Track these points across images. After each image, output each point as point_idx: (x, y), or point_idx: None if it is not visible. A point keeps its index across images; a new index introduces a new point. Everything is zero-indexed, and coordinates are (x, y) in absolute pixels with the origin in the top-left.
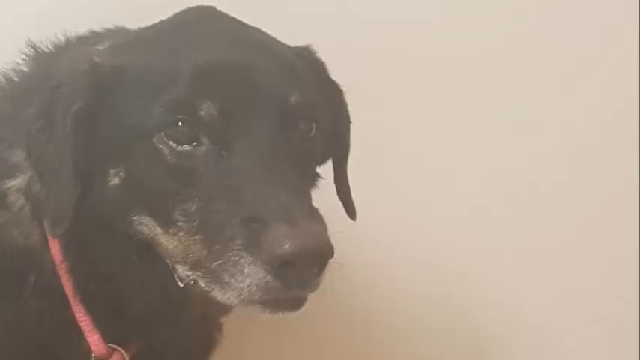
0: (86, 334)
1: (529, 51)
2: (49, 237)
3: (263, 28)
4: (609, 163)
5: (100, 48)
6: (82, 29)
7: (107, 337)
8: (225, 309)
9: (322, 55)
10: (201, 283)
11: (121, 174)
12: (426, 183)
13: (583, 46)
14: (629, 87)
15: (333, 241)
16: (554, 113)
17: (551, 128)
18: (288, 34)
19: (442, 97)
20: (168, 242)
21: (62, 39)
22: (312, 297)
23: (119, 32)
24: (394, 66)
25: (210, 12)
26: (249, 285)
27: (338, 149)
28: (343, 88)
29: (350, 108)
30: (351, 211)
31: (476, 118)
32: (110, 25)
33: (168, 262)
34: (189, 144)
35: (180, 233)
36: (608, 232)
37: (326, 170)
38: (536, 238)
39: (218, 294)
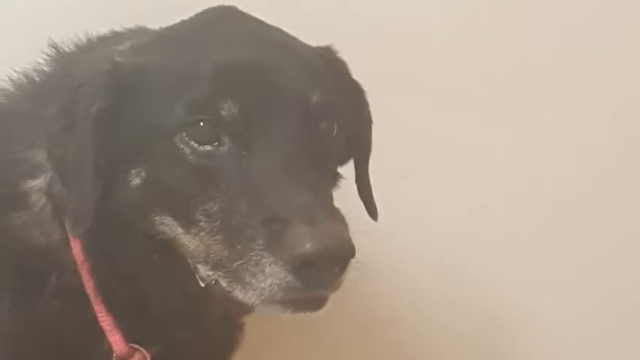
0: (107, 334)
1: (531, 50)
2: (71, 237)
3: (284, 28)
4: (613, 162)
5: (121, 48)
6: (103, 29)
7: (128, 337)
8: (246, 309)
9: (343, 55)
10: (223, 283)
11: (142, 174)
12: (446, 184)
13: (586, 45)
14: (633, 86)
15: (355, 241)
16: (558, 112)
17: (557, 127)
18: (309, 33)
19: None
20: (189, 242)
21: (83, 39)
22: (333, 297)
23: (140, 32)
24: (401, 66)
25: (231, 12)
26: (270, 285)
27: (359, 149)
28: (365, 88)
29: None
30: (372, 211)
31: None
32: (131, 25)
33: (189, 262)
34: (211, 144)
35: (202, 233)
36: (624, 231)
37: (347, 170)
38: (555, 238)
39: (239, 294)
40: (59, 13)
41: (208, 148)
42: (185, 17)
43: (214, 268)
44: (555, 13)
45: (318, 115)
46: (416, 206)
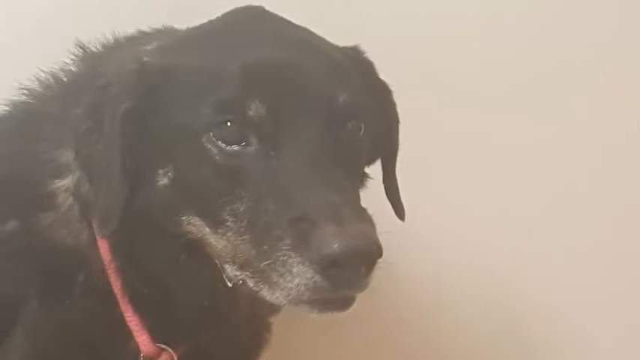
0: (135, 333)
1: (561, 49)
2: (98, 237)
3: (311, 28)
4: None
5: (148, 48)
6: (130, 29)
7: (155, 337)
8: (273, 309)
9: (370, 54)
10: (250, 283)
11: (170, 174)
12: (473, 184)
13: (615, 43)
14: None
15: (382, 241)
16: (590, 111)
17: (587, 126)
18: (337, 33)
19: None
20: (216, 242)
21: (111, 39)
22: (360, 297)
23: (167, 32)
24: (429, 65)
25: (258, 12)
26: (297, 285)
27: (386, 149)
28: (391, 88)
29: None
30: (399, 211)
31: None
32: (158, 25)
33: (216, 262)
34: (238, 144)
35: (229, 233)
36: None
37: (375, 170)
38: (579, 238)
39: (267, 294)
40: (84, 14)
41: (235, 148)
42: (212, 17)
43: (241, 268)
44: (583, 9)
45: (345, 115)
46: (443, 206)
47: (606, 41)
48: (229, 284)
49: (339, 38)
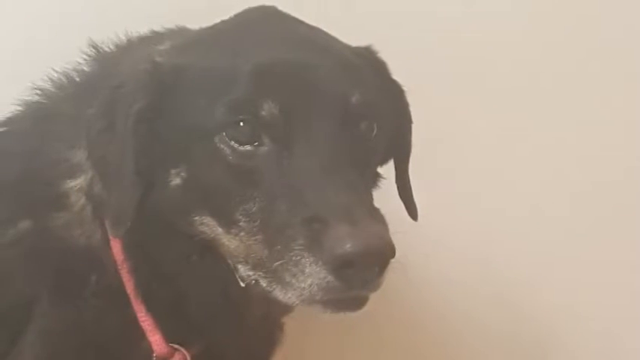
0: (148, 334)
1: (587, 49)
2: (111, 237)
3: (323, 28)
4: None
5: (161, 48)
6: (143, 29)
7: (168, 337)
8: (286, 309)
9: (383, 54)
10: (263, 283)
11: (182, 174)
12: (487, 183)
13: None
14: None
15: (395, 241)
16: (617, 112)
17: (613, 127)
18: (349, 33)
19: (500, 96)
20: (229, 242)
21: (123, 39)
22: (372, 297)
23: (180, 32)
24: (443, 65)
25: (271, 12)
26: (310, 285)
27: (399, 149)
28: (404, 88)
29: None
30: (412, 211)
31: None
32: (171, 25)
33: (229, 262)
34: (251, 144)
35: (242, 233)
36: None
37: (387, 170)
38: (596, 238)
39: (279, 294)
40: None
41: (248, 148)
42: (225, 17)
43: (254, 268)
44: (614, 11)
45: (358, 115)
46: (455, 207)
47: (635, 41)
48: (242, 284)
49: (352, 38)
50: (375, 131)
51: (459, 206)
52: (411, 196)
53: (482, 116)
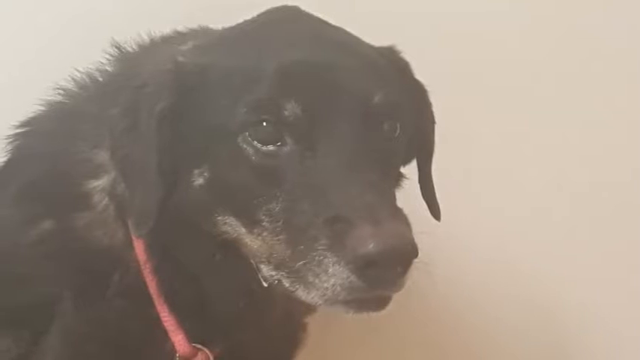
0: (170, 333)
1: (594, 50)
2: (134, 237)
3: (346, 28)
4: None
5: (184, 48)
6: (166, 29)
7: (191, 337)
8: (309, 309)
9: (406, 54)
10: (286, 283)
11: (205, 174)
12: (509, 184)
13: None
14: None
15: (418, 241)
16: (622, 113)
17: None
18: (372, 33)
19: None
20: (252, 242)
21: (146, 39)
22: (395, 297)
23: (203, 32)
24: (464, 65)
25: (293, 12)
26: (333, 285)
27: (422, 149)
28: (427, 88)
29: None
30: (435, 211)
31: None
32: (194, 25)
33: (252, 261)
34: (274, 144)
35: (265, 233)
36: None
37: (410, 170)
38: (619, 237)
39: (302, 294)
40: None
41: (271, 148)
42: (247, 17)
43: (277, 268)
44: (617, 11)
45: (381, 115)
46: (478, 207)
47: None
48: (265, 284)
49: (375, 38)
50: (397, 131)
51: (481, 206)
52: (434, 196)
53: (507, 118)
